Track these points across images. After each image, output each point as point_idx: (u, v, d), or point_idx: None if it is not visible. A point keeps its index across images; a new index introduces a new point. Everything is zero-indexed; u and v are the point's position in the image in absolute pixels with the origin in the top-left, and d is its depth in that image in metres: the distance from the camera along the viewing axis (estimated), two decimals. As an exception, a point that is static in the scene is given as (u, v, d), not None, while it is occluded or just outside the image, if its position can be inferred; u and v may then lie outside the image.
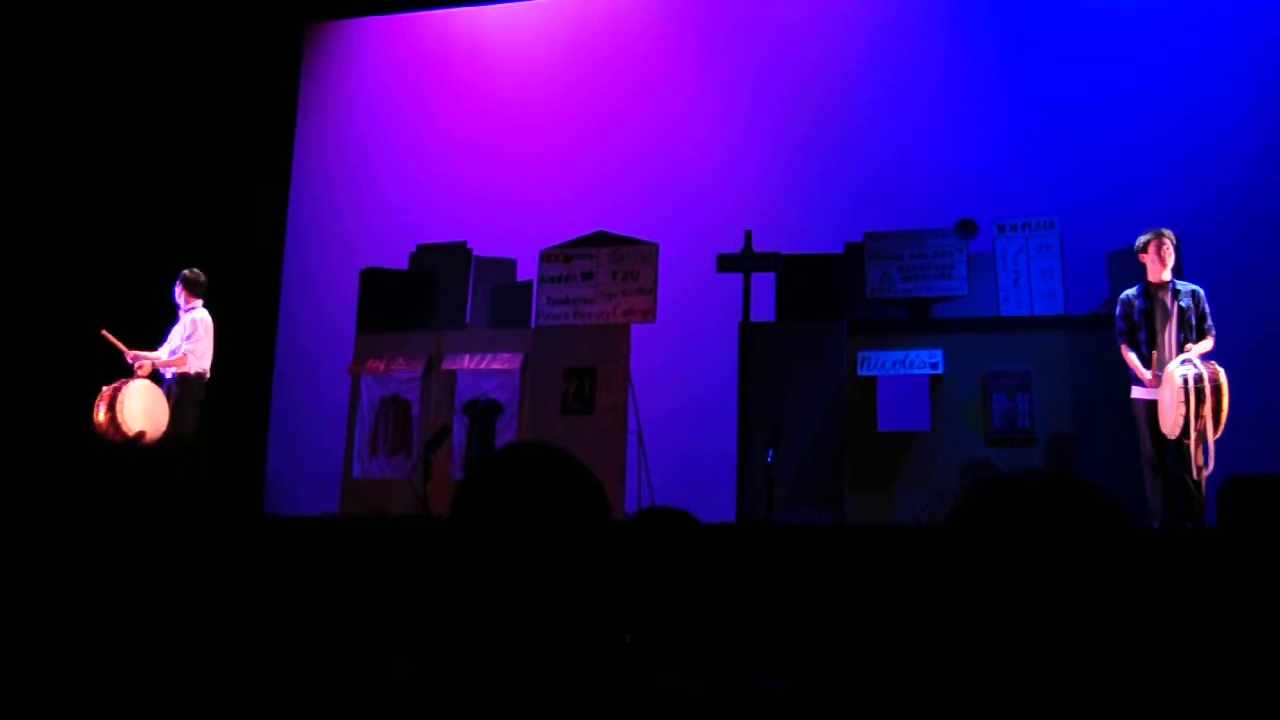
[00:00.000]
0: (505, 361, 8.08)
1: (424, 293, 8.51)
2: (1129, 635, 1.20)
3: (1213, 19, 7.40)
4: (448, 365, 8.23)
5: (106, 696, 1.49)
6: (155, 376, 7.36)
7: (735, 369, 7.60)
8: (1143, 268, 6.17)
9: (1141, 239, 6.15)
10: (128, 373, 7.30)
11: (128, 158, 8.75)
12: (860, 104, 8.04)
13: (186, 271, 7.54)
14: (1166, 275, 6.08)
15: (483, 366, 8.13)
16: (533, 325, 8.06)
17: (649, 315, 7.71)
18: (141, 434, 7.01)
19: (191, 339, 7.37)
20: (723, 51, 8.49)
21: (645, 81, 8.56)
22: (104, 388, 7.14)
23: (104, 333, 7.30)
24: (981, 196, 7.53)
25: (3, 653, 1.50)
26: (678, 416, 7.65)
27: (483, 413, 8.07)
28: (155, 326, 7.82)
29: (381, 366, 8.35)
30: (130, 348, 7.34)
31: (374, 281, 8.61)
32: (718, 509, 6.83)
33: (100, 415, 7.04)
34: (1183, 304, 6.01)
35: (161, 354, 7.42)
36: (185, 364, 7.34)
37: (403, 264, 8.63)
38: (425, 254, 8.61)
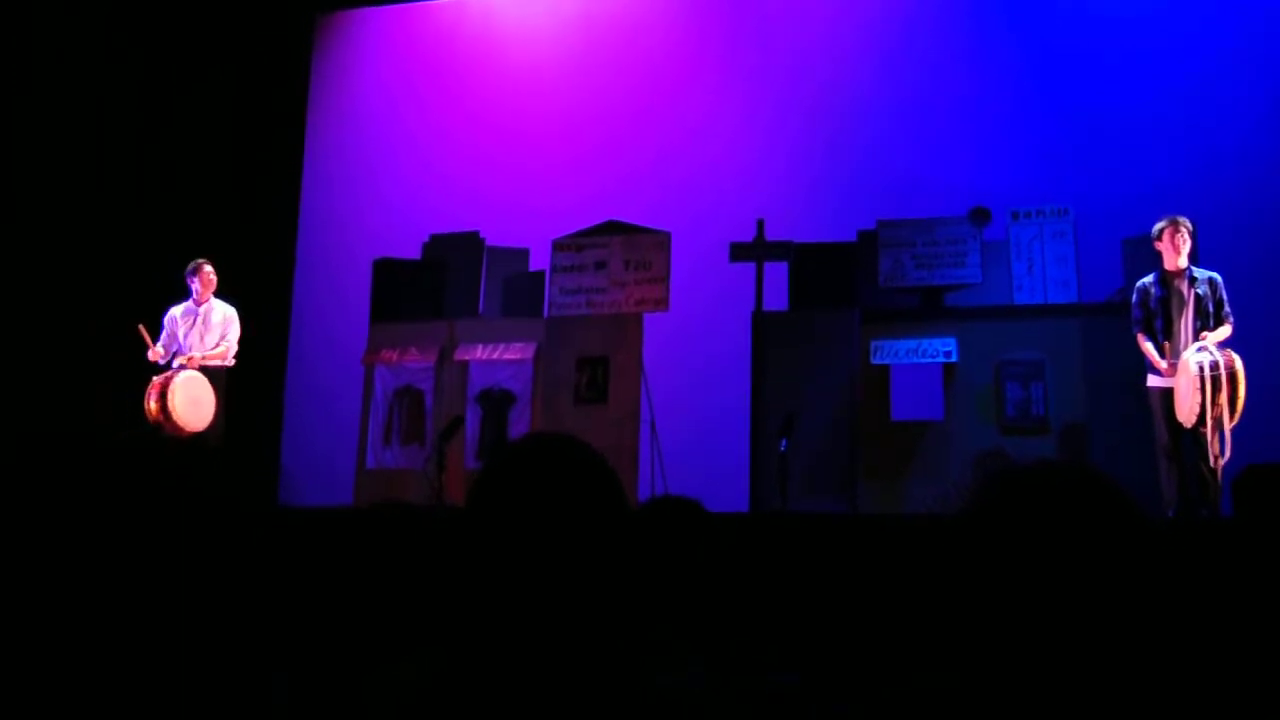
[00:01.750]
0: (518, 351, 8.09)
1: (436, 282, 8.51)
2: (1144, 626, 1.19)
3: (1228, 5, 7.34)
4: (460, 355, 8.24)
5: (120, 689, 1.50)
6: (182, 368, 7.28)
7: (748, 358, 7.59)
8: (1158, 255, 6.12)
9: (1157, 226, 6.11)
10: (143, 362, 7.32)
11: (139, 149, 8.77)
12: (872, 91, 8.01)
13: (210, 266, 7.48)
14: (1182, 263, 6.03)
15: (495, 356, 8.14)
16: (545, 315, 8.06)
17: (661, 304, 7.70)
18: (159, 425, 7.01)
19: (232, 333, 7.40)
20: (734, 41, 8.46)
21: (657, 70, 8.55)
22: (155, 378, 7.13)
23: (140, 328, 7.29)
24: (995, 184, 7.50)
25: (23, 638, 1.51)
26: (690, 406, 7.65)
27: (496, 403, 8.09)
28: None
29: (394, 356, 8.37)
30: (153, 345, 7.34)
31: (386, 271, 8.61)
32: (731, 499, 6.83)
33: (151, 405, 7.03)
34: (1200, 291, 5.97)
35: (202, 348, 7.34)
36: (226, 358, 7.39)
37: (415, 254, 8.64)
38: (437, 244, 8.61)
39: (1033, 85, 7.67)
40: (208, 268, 7.48)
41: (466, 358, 8.22)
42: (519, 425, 7.98)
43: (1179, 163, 7.06)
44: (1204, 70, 7.22)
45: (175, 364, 7.29)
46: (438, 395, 8.23)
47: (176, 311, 7.45)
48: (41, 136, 8.31)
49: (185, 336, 7.41)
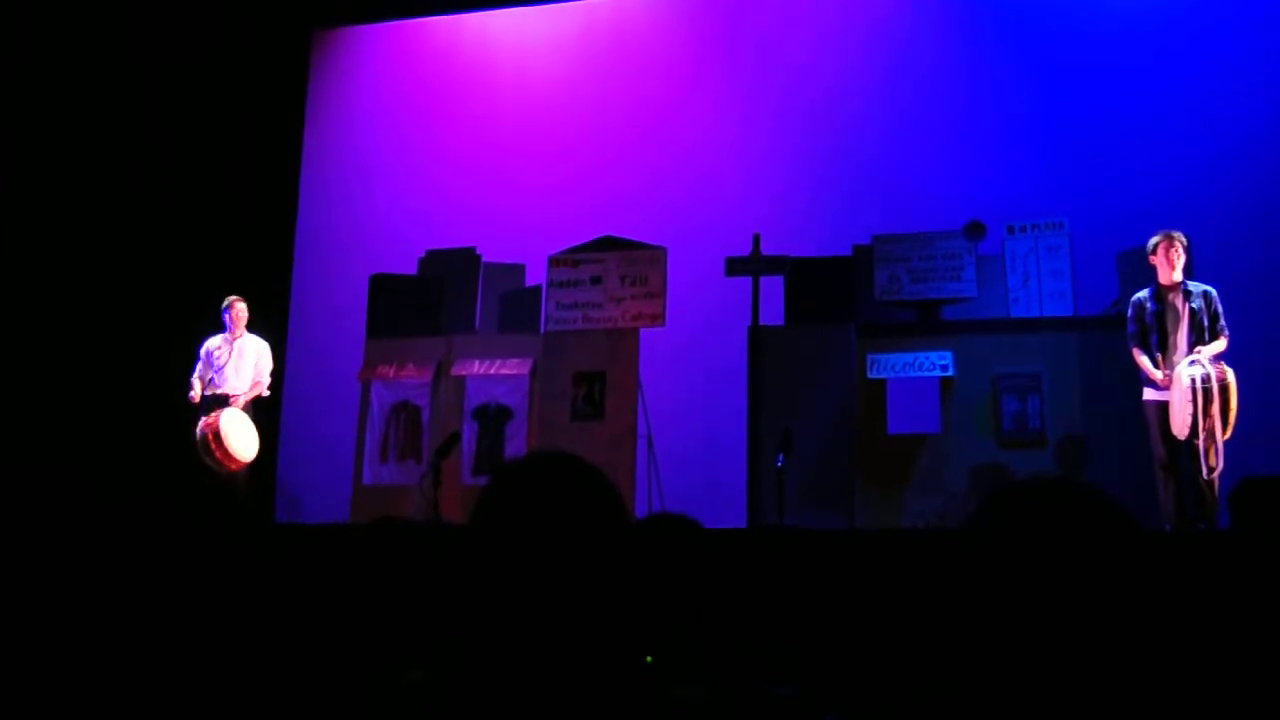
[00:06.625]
0: (515, 367, 8.09)
1: (433, 298, 8.52)
2: (1143, 639, 1.19)
3: (1224, 18, 7.37)
4: (457, 371, 8.24)
5: (129, 701, 1.50)
6: (217, 401, 7.45)
7: (745, 373, 7.59)
8: (1153, 269, 6.14)
9: (1152, 241, 6.13)
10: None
11: (135, 166, 8.78)
12: (868, 106, 8.03)
13: (242, 303, 7.66)
14: (1177, 277, 6.05)
15: (492, 372, 8.14)
16: (542, 330, 8.06)
17: (658, 320, 7.71)
18: (220, 464, 7.24)
19: (264, 365, 7.65)
20: (730, 56, 8.49)
21: (653, 86, 8.57)
22: (204, 420, 7.27)
23: (193, 398, 7.47)
24: (990, 198, 7.52)
25: (33, 649, 1.51)
26: (687, 421, 7.65)
27: (492, 418, 8.08)
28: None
29: (391, 372, 8.36)
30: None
31: (383, 287, 8.62)
32: (729, 514, 6.82)
33: (206, 450, 7.20)
34: (1195, 305, 5.99)
35: (237, 380, 7.53)
36: (262, 390, 7.64)
37: (412, 270, 8.64)
38: (434, 260, 8.62)
39: (1027, 99, 7.69)
40: (240, 304, 7.65)
41: (463, 373, 8.22)
42: (515, 441, 7.98)
43: (1174, 176, 7.08)
44: (1199, 84, 7.25)
45: (207, 393, 7.49)
46: (434, 411, 8.23)
47: (212, 343, 7.62)
48: (38, 152, 8.33)
49: (221, 369, 7.56)
